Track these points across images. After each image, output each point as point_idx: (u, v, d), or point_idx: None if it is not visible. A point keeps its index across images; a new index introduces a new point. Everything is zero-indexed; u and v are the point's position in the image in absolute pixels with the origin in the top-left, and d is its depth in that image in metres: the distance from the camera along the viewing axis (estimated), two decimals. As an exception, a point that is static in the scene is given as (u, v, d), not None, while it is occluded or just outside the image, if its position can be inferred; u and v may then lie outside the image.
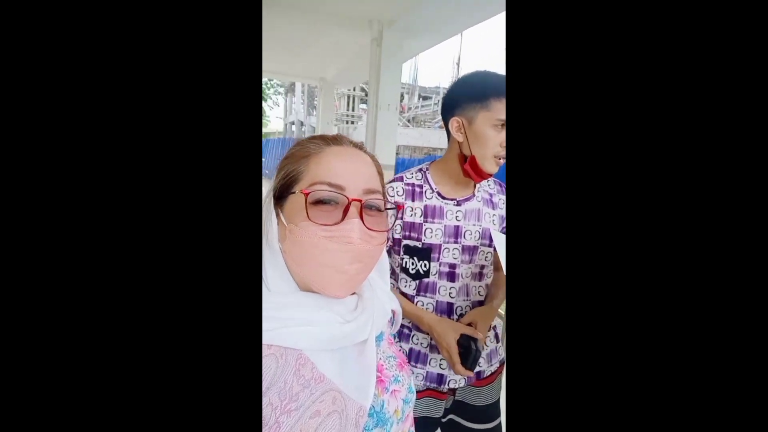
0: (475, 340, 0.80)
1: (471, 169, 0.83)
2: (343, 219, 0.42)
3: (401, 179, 0.88)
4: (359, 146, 0.50)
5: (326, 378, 0.41)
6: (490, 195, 0.92)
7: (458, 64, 19.50)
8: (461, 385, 0.90)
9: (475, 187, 0.90)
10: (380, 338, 0.52)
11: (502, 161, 0.82)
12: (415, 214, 0.85)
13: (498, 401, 0.96)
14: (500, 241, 0.77)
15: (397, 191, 0.86)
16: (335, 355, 0.43)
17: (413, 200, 0.86)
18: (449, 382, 0.88)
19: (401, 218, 0.85)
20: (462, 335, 0.81)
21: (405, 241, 0.86)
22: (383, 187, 0.50)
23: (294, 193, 0.44)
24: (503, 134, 0.80)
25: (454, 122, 0.84)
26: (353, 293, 0.49)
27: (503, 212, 0.92)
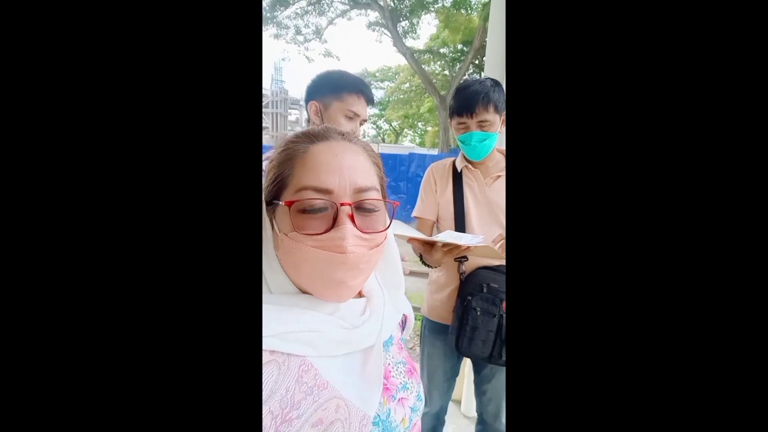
0: None
1: None
2: (333, 226, 0.39)
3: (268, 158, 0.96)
4: (349, 136, 0.44)
5: (330, 385, 0.39)
6: None
7: None
8: None
9: None
10: (389, 343, 0.50)
11: None
12: None
13: None
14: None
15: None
16: (340, 360, 0.41)
17: None
18: None
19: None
20: None
21: None
22: (381, 178, 0.46)
23: (280, 203, 0.40)
24: (352, 124, 0.94)
25: (312, 105, 0.95)
26: (362, 296, 0.47)
27: None
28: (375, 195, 0.42)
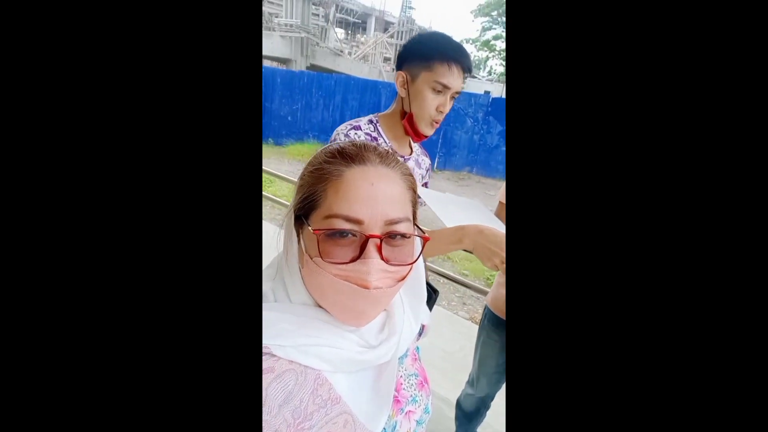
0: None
1: (408, 126, 0.88)
2: (359, 256, 0.38)
3: (359, 128, 0.88)
4: (387, 159, 0.42)
5: (342, 399, 0.40)
6: (418, 155, 0.99)
7: None
8: None
9: (411, 146, 0.96)
10: (404, 356, 0.50)
11: (436, 125, 0.87)
12: None
13: None
14: (428, 195, 0.83)
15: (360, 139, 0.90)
16: (353, 376, 0.42)
17: None
18: None
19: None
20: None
21: None
22: (415, 204, 0.44)
23: (309, 227, 0.40)
24: (441, 98, 0.84)
25: (399, 76, 0.87)
26: (383, 310, 0.46)
27: (423, 172, 1.00)
28: (406, 227, 0.40)
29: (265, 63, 12.23)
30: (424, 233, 0.43)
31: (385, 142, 0.89)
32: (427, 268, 1.47)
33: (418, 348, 0.57)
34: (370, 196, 0.39)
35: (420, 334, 0.55)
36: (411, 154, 0.96)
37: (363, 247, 0.38)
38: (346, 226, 0.38)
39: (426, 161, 1.03)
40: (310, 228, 0.39)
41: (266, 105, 8.35)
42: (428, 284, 0.99)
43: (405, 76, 0.85)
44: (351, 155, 0.40)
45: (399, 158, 0.44)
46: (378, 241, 0.38)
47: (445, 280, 1.88)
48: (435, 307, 1.08)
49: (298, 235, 0.42)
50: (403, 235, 0.40)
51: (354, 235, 0.38)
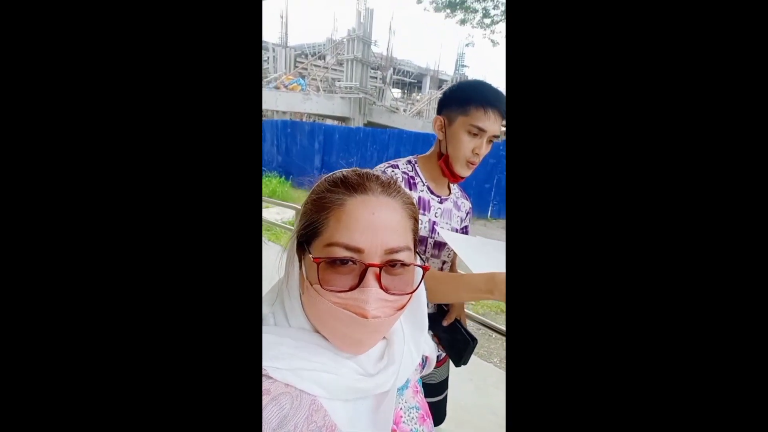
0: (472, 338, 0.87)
1: (444, 166, 0.90)
2: (358, 285, 0.38)
3: (397, 166, 0.92)
4: (389, 188, 0.42)
5: (337, 428, 0.39)
6: (457, 198, 1.01)
7: (284, 19, 17.88)
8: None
9: (449, 188, 0.98)
10: (404, 387, 0.47)
11: (473, 166, 0.89)
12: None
13: (447, 378, 1.12)
14: (460, 241, 0.84)
15: (396, 178, 0.86)
16: (349, 405, 0.41)
17: (410, 189, 0.90)
18: None
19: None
20: (459, 337, 0.88)
21: None
22: (415, 233, 0.43)
23: (310, 254, 0.40)
24: (477, 141, 0.86)
25: (437, 120, 0.91)
26: (383, 338, 0.45)
27: (463, 215, 1.01)
28: (406, 255, 0.40)
29: (326, 122, 13.29)
30: (424, 264, 0.42)
31: (422, 182, 0.92)
32: (472, 319, 1.38)
33: (420, 380, 0.54)
34: (371, 224, 0.39)
35: (423, 365, 0.52)
36: (449, 195, 0.97)
37: (362, 276, 0.38)
38: (347, 254, 0.38)
39: (466, 204, 1.04)
40: (311, 255, 0.40)
41: (325, 158, 9.01)
42: (467, 332, 0.93)
43: (443, 120, 0.90)
44: (353, 184, 0.41)
45: (402, 188, 0.44)
46: (377, 270, 0.38)
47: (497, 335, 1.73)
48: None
49: (300, 261, 0.43)
50: (403, 264, 0.40)
51: (354, 263, 0.38)
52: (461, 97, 0.87)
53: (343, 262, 0.38)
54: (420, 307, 0.48)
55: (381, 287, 0.38)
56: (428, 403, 1.01)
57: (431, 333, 0.94)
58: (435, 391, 1.08)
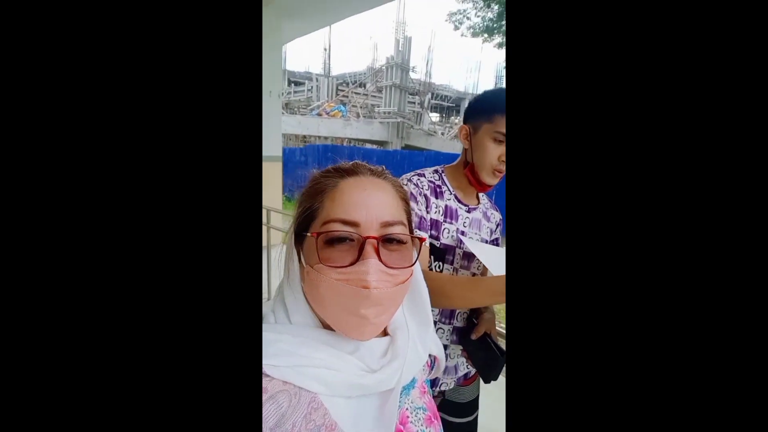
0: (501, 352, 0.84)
1: (471, 176, 0.89)
2: (358, 259, 0.39)
3: (423, 175, 0.91)
4: (379, 173, 0.45)
5: (337, 427, 0.38)
6: (486, 208, 0.98)
7: (327, 51, 18.50)
8: (451, 387, 0.96)
9: (478, 197, 0.96)
10: (410, 386, 0.46)
11: (499, 174, 0.86)
12: (438, 211, 0.88)
13: (477, 398, 1.05)
14: (491, 253, 0.82)
15: (423, 186, 0.87)
16: (352, 403, 0.40)
17: (436, 197, 0.88)
18: (441, 385, 0.94)
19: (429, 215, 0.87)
20: (489, 351, 0.86)
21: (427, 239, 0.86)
22: (408, 214, 0.45)
23: (308, 234, 0.42)
24: (502, 148, 0.84)
25: (462, 129, 0.90)
26: (386, 335, 0.45)
27: (493, 227, 0.99)
28: (401, 229, 0.41)
29: (366, 146, 13.64)
30: (420, 238, 0.43)
31: (450, 190, 0.91)
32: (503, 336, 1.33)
33: (428, 381, 0.52)
34: (364, 200, 0.41)
35: (432, 366, 0.51)
36: (478, 205, 0.95)
37: (361, 249, 0.39)
38: (344, 228, 0.40)
39: (496, 216, 1.01)
40: (308, 235, 0.41)
41: (363, 181, 9.14)
42: (497, 346, 0.90)
43: (468, 128, 0.89)
44: (345, 169, 0.44)
45: (391, 174, 0.47)
46: (375, 242, 0.39)
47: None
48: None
49: (299, 254, 0.44)
50: (400, 241, 0.41)
51: (352, 240, 0.40)
52: (486, 106, 0.87)
53: (342, 239, 0.39)
54: (423, 302, 0.48)
55: (380, 260, 0.39)
56: (455, 424, 0.96)
57: (461, 348, 0.92)
58: (464, 411, 1.02)
